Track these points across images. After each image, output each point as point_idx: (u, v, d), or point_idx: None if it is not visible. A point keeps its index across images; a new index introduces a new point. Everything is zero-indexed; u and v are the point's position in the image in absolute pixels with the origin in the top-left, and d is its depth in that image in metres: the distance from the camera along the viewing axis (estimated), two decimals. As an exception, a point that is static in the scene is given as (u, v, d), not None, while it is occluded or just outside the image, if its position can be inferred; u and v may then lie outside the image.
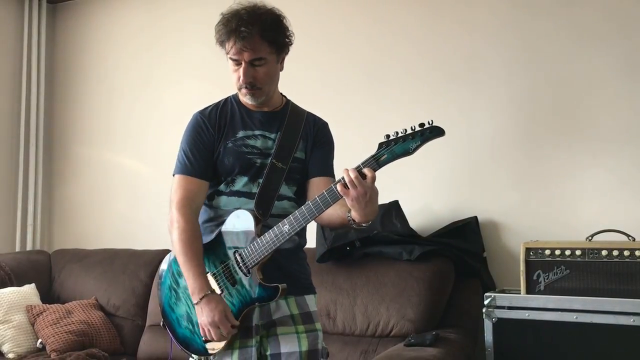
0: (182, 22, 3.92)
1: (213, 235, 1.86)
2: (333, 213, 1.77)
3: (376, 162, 1.64)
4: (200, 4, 3.84)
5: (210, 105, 1.97)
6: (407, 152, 1.63)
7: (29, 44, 4.24)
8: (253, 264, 1.78)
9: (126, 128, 4.08)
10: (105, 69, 4.20)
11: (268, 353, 1.85)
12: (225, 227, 1.84)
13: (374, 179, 1.62)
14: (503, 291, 2.67)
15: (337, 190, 1.64)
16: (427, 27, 3.23)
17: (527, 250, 2.52)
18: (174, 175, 1.92)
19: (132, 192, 4.00)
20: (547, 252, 2.48)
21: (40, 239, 4.22)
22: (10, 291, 3.33)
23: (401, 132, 1.64)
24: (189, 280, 1.80)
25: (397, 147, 1.63)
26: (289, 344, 1.84)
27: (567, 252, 2.45)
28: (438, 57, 3.19)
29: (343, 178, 1.63)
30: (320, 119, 2.04)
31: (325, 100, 3.33)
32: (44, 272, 3.73)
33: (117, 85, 4.14)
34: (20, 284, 3.46)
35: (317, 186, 1.92)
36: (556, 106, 2.94)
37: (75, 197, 4.24)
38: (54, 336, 3.12)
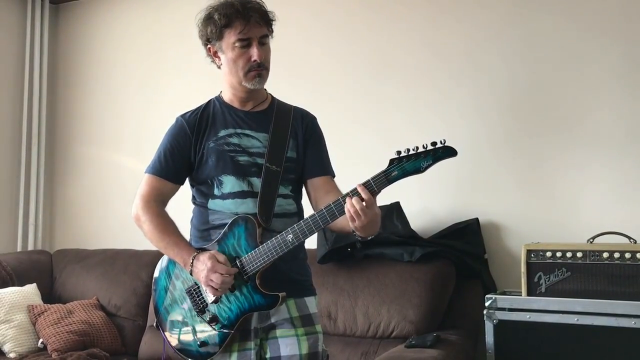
0: (185, 22, 3.90)
1: (213, 240, 1.85)
2: (337, 222, 1.75)
3: (386, 178, 1.64)
4: (203, 3, 3.84)
5: (193, 109, 1.96)
6: (418, 170, 1.63)
7: (32, 43, 4.24)
8: (253, 271, 1.77)
9: (128, 128, 4.08)
10: (107, 69, 4.20)
11: (268, 356, 1.84)
12: (226, 233, 1.82)
13: (371, 200, 1.62)
14: (504, 293, 2.67)
15: (345, 205, 1.65)
16: (429, 29, 3.22)
17: (528, 252, 2.52)
18: (145, 172, 1.94)
19: (133, 192, 3.94)
20: (549, 254, 2.48)
21: (41, 238, 4.23)
22: (11, 291, 3.34)
23: (413, 149, 1.63)
24: (176, 257, 1.82)
25: (408, 164, 1.63)
26: (289, 347, 1.82)
27: (568, 254, 2.45)
28: (439, 57, 3.18)
29: (345, 199, 1.64)
30: (307, 113, 2.02)
31: (325, 95, 3.35)
32: (46, 272, 3.73)
33: (120, 85, 4.15)
34: (21, 284, 3.46)
35: (318, 187, 1.92)
36: (558, 108, 2.94)
37: (77, 197, 4.24)
38: (55, 336, 3.12)
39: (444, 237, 2.98)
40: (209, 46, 1.90)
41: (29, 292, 3.42)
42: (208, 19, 1.86)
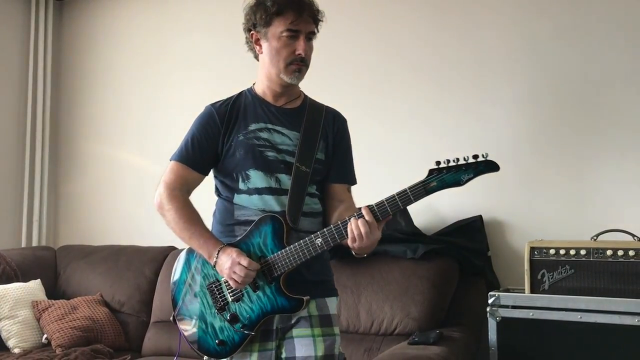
0: (189, 19, 3.93)
1: (238, 237, 1.81)
2: None
3: (424, 188, 1.61)
4: (207, 1, 3.85)
5: (223, 99, 1.92)
6: (458, 183, 1.60)
7: (36, 40, 4.25)
8: (279, 273, 1.74)
9: (132, 124, 4.09)
10: (111, 65, 4.21)
11: (283, 356, 1.80)
12: (252, 230, 1.78)
13: (374, 225, 1.63)
14: (507, 290, 2.67)
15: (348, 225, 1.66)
16: (435, 26, 3.22)
17: (532, 249, 2.51)
18: (170, 160, 1.89)
19: (137, 188, 4.01)
20: (552, 251, 2.48)
21: (45, 234, 4.24)
22: (16, 287, 3.35)
23: (453, 161, 1.59)
24: (201, 249, 1.78)
25: (449, 176, 1.60)
26: (305, 348, 1.78)
27: (572, 252, 2.45)
28: (445, 56, 3.18)
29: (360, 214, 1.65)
30: (339, 115, 1.99)
31: (331, 95, 3.34)
32: (50, 267, 3.75)
33: (124, 81, 4.15)
34: (25, 280, 3.47)
35: (334, 193, 1.92)
36: (562, 106, 2.93)
37: (81, 194, 4.25)
38: (59, 332, 3.13)
39: (448, 234, 2.97)
40: (252, 32, 1.85)
41: (33, 287, 3.43)
42: (258, 5, 1.82)
